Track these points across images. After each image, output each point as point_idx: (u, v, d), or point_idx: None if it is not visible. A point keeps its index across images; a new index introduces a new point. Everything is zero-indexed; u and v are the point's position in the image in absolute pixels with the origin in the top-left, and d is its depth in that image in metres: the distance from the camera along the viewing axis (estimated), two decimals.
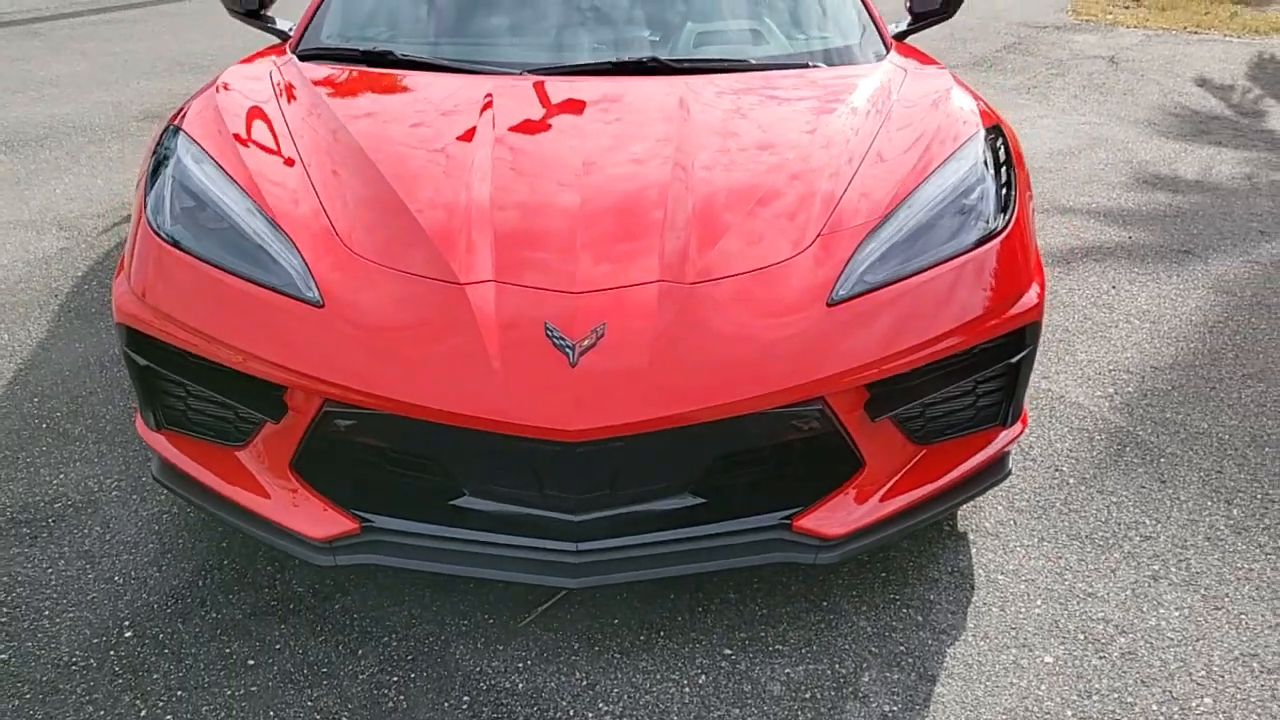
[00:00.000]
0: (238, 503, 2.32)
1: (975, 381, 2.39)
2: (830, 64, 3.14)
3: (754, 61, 3.10)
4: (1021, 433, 2.51)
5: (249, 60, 3.24)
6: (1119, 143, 5.94)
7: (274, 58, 3.21)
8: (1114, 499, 2.79)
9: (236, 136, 2.65)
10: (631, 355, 2.09)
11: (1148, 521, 2.70)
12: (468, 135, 2.67)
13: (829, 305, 2.21)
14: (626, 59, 3.04)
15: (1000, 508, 2.75)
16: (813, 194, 2.47)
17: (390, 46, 3.15)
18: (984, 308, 2.32)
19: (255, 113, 2.80)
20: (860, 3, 3.42)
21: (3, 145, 5.56)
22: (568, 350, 2.07)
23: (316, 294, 2.21)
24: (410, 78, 3.01)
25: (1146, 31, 9.09)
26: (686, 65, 3.04)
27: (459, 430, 2.08)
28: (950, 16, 3.65)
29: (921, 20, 3.62)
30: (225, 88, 2.94)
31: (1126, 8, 10.24)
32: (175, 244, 2.37)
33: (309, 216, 2.40)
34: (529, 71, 3.00)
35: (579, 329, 2.11)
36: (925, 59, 3.33)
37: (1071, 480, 2.87)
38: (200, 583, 2.46)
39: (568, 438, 2.03)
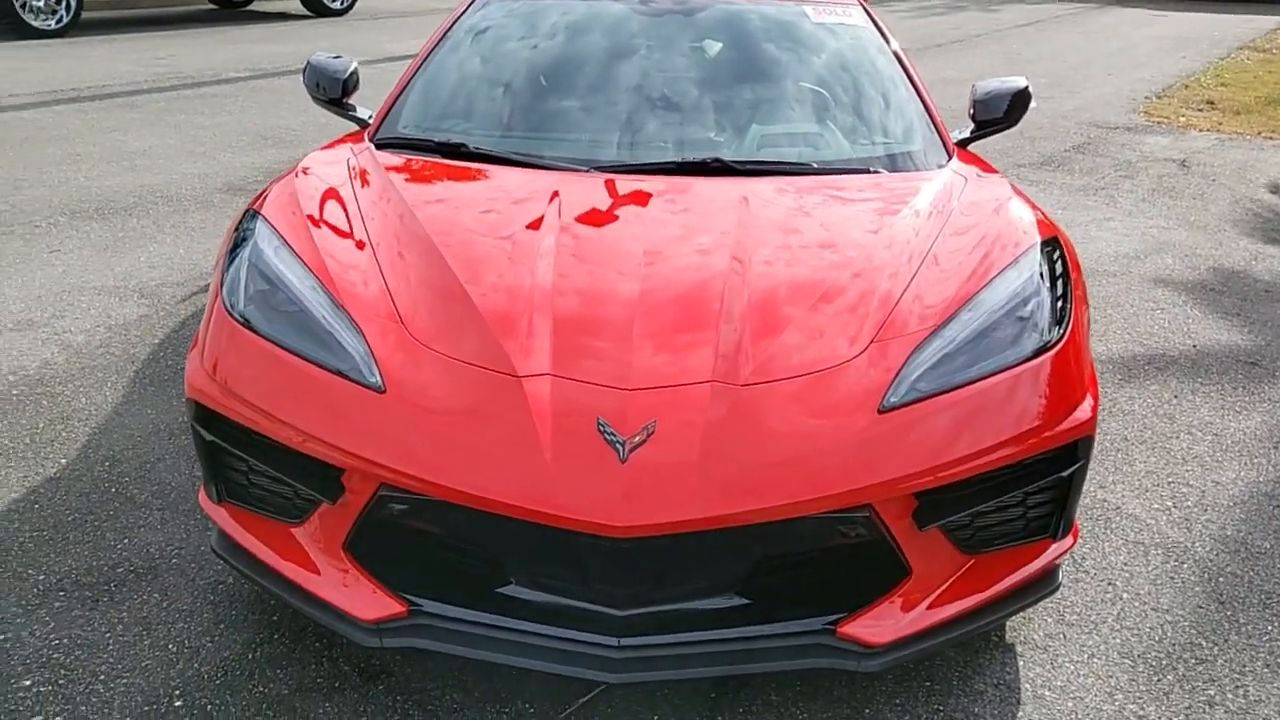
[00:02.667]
0: (291, 579, 2.37)
1: (1026, 493, 2.38)
2: (893, 169, 3.20)
3: (816, 165, 3.16)
4: (1072, 545, 2.49)
5: (329, 146, 3.38)
6: (1187, 248, 5.90)
7: (352, 145, 3.35)
8: (1169, 617, 2.74)
9: (311, 221, 2.76)
10: (681, 453, 2.12)
11: (1204, 643, 2.65)
12: (533, 225, 2.76)
13: (880, 412, 2.23)
14: (691, 159, 3.12)
15: (1050, 620, 2.71)
16: (870, 294, 2.51)
17: (463, 139, 3.27)
18: (1036, 420, 2.33)
19: (330, 199, 2.91)
20: (924, 110, 3.48)
21: (95, 213, 5.80)
22: (618, 446, 2.11)
23: (379, 379, 2.28)
24: (480, 169, 3.12)
25: (1220, 135, 9.05)
26: (750, 167, 3.11)
27: (509, 520, 2.12)
28: (1013, 125, 3.69)
29: (985, 128, 3.67)
30: (304, 173, 3.07)
31: (1200, 110, 10.21)
32: (247, 325, 2.47)
33: (375, 302, 2.48)
34: (596, 169, 3.09)
35: (630, 425, 2.15)
36: (986, 167, 3.37)
37: (1125, 595, 2.83)
38: (250, 655, 2.51)
39: (615, 533, 2.06)
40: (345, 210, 2.85)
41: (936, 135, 3.40)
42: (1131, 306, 4.99)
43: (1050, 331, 2.48)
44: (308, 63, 3.81)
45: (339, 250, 2.66)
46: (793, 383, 2.28)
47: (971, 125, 3.71)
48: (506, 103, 3.49)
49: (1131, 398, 4.01)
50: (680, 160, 3.13)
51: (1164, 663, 2.57)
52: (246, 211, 2.90)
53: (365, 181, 3.01)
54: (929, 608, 2.30)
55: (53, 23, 12.07)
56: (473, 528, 2.21)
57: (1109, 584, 2.87)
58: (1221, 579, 2.91)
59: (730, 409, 2.19)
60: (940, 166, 3.24)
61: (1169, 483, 3.40)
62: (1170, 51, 14.41)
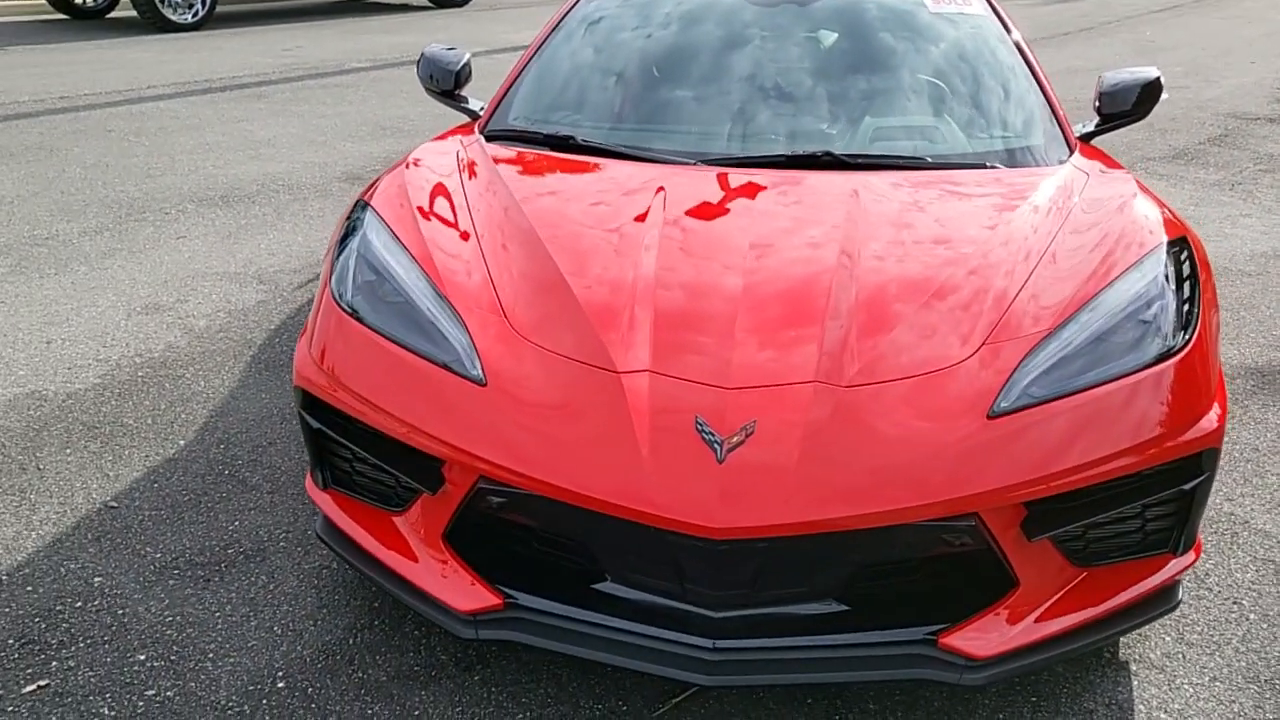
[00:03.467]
0: (391, 567, 2.40)
1: (1144, 506, 2.27)
2: (1011, 165, 3.08)
3: (931, 160, 3.07)
4: (1194, 562, 2.37)
5: (440, 138, 3.42)
6: None
7: (462, 137, 3.38)
8: None
9: (420, 212, 2.79)
10: (780, 455, 2.08)
11: None
12: (639, 218, 2.74)
13: (990, 417, 2.15)
14: (802, 153, 3.06)
15: (1169, 639, 2.59)
16: (983, 293, 2.43)
17: (571, 131, 3.27)
18: (1157, 429, 2.21)
19: (439, 190, 2.94)
20: (1046, 103, 3.35)
21: (220, 200, 6.00)
22: (716, 446, 2.08)
23: (480, 372, 2.29)
24: (587, 162, 3.11)
25: None
26: (861, 161, 3.04)
27: (605, 516, 2.11)
28: (1143, 118, 3.52)
29: (1110, 121, 3.50)
30: (414, 165, 3.10)
31: None
32: (354, 314, 2.51)
33: (479, 295, 2.49)
34: (704, 162, 3.05)
35: (729, 425, 2.11)
36: (1111, 162, 3.22)
37: (1252, 616, 2.68)
38: (351, 640, 2.56)
39: (710, 534, 2.02)
40: (452, 202, 2.87)
41: (1058, 129, 3.27)
42: (1268, 309, 4.74)
43: (1175, 337, 2.35)
44: (422, 54, 3.85)
45: (445, 242, 2.68)
46: (899, 385, 2.21)
47: (1096, 119, 3.56)
48: (617, 95, 3.47)
49: (1265, 405, 3.80)
50: (791, 154, 3.07)
51: None
52: (357, 202, 2.94)
53: (473, 173, 3.03)
54: (1037, 621, 2.21)
55: (189, 16, 12.53)
56: (569, 523, 2.21)
57: (1234, 603, 2.73)
58: None
59: (833, 411, 2.14)
60: (1061, 162, 3.11)
61: None
62: None
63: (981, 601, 2.21)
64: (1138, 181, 2.98)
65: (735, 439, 2.09)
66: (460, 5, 15.62)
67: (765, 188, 2.89)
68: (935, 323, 2.35)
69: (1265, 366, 4.15)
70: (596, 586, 2.24)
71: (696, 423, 2.12)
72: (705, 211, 2.79)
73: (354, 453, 2.48)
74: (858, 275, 2.47)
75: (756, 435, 2.10)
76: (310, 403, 2.52)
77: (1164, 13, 16.04)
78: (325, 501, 2.58)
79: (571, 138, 3.22)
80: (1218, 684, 2.45)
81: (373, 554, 2.45)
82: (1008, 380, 2.22)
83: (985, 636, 2.17)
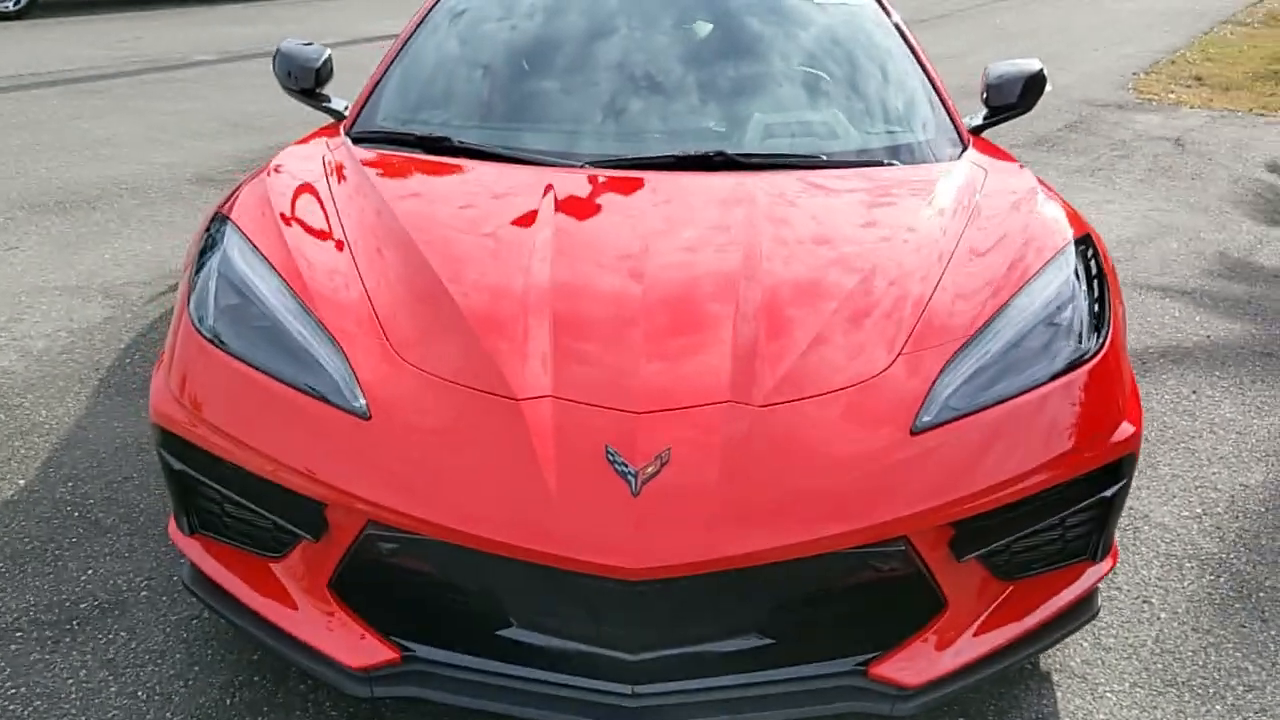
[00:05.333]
0: (271, 621, 2.17)
1: (1067, 515, 2.20)
2: (908, 161, 2.99)
3: (826, 158, 2.95)
4: (1112, 568, 2.32)
5: (304, 142, 3.15)
6: (1190, 231, 5.75)
7: (327, 139, 3.12)
8: (1211, 639, 2.57)
9: (284, 225, 2.54)
10: (698, 485, 1.93)
11: (1250, 668, 2.48)
12: (525, 227, 2.54)
13: (913, 433, 2.04)
14: (693, 153, 2.91)
15: (1086, 645, 2.54)
16: (896, 300, 2.32)
17: (446, 132, 3.04)
18: (1082, 436, 2.15)
19: (305, 200, 2.69)
20: (937, 95, 3.28)
21: (56, 206, 5.54)
22: (629, 478, 1.92)
23: (363, 404, 2.07)
24: (466, 166, 2.89)
25: (1211, 112, 8.91)
26: (756, 161, 2.90)
27: (509, 559, 1.93)
28: (1028, 110, 3.50)
29: (998, 114, 3.46)
30: (276, 172, 2.84)
31: (1189, 87, 10.06)
32: (217, 342, 2.26)
33: (358, 318, 2.27)
34: (590, 164, 2.87)
35: (642, 454, 1.95)
36: (1004, 155, 3.18)
37: (1163, 615, 2.66)
38: (229, 701, 2.31)
39: (628, 575, 1.86)
40: (323, 213, 2.62)
41: (950, 122, 3.20)
42: (1140, 295, 4.83)
43: (1089, 340, 2.30)
44: (277, 50, 3.57)
45: (314, 257, 2.44)
46: (816, 401, 2.08)
47: (984, 110, 3.52)
48: (491, 92, 3.26)
49: (1149, 394, 3.84)
50: (682, 154, 2.90)
51: (1211, 691, 2.41)
52: (215, 215, 2.67)
53: (342, 179, 2.78)
54: (967, 642, 2.12)
55: (10, 4, 11.68)
56: (469, 567, 2.02)
57: (1145, 602, 2.71)
58: (1262, 594, 2.75)
59: (751, 434, 2.00)
60: (956, 156, 3.04)
61: (1196, 487, 3.24)
62: (1154, 26, 14.27)
63: (910, 625, 2.10)
64: (1037, 177, 2.93)
65: (649, 469, 1.93)
66: None
67: (658, 191, 2.73)
68: (848, 332, 2.24)
69: (1143, 353, 4.20)
70: (502, 633, 2.05)
71: (607, 452, 1.96)
72: (597, 220, 2.62)
73: (223, 495, 2.23)
74: (763, 283, 2.33)
75: (672, 464, 1.95)
76: (170, 441, 2.26)
77: (1013, 0, 16.51)
78: (192, 548, 2.33)
79: (446, 140, 2.99)
80: (1139, 690, 2.41)
81: (249, 606, 2.21)
82: (928, 393, 2.11)
83: (916, 663, 2.07)
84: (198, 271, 2.48)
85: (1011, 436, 2.10)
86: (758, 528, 1.91)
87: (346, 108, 3.45)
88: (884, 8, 3.58)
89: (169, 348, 2.38)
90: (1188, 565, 2.86)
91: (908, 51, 3.39)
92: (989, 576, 2.16)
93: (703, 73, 3.22)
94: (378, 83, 3.31)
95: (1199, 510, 3.12)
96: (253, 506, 2.17)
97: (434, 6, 3.56)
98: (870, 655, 2.06)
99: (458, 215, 2.64)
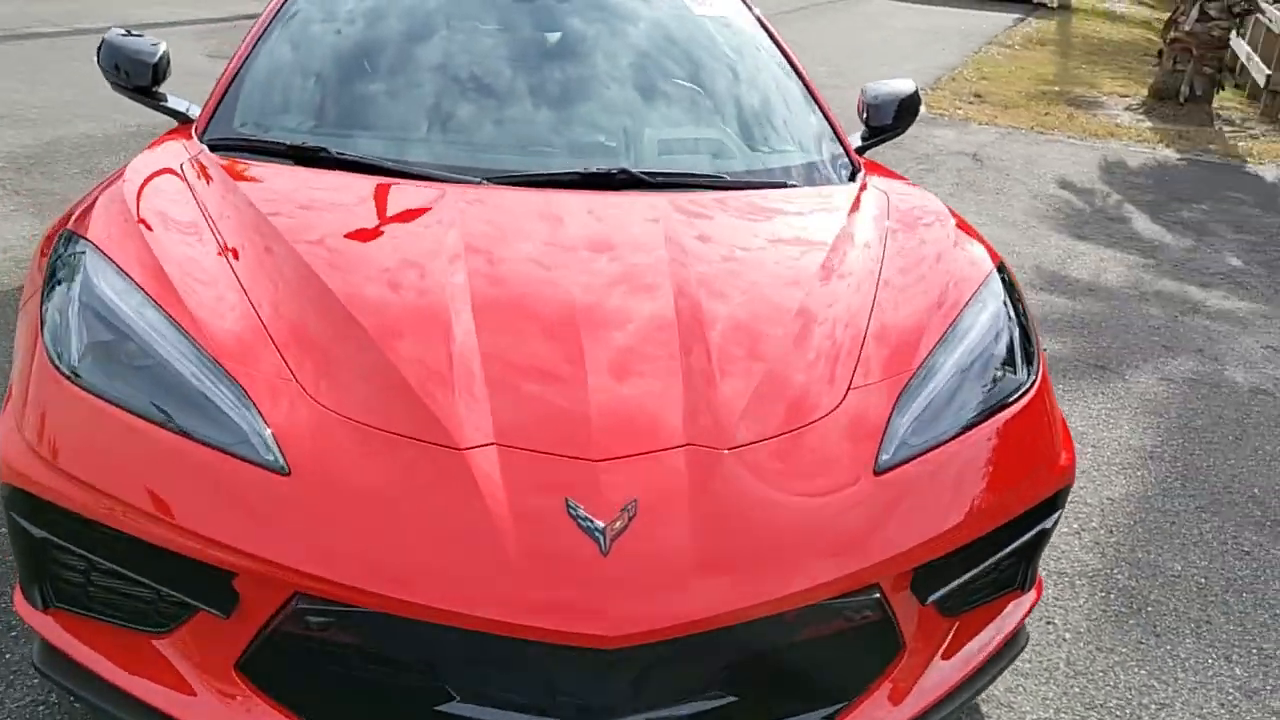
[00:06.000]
0: (158, 708, 1.87)
1: (1015, 547, 2.18)
2: (807, 181, 2.92)
3: (729, 178, 2.84)
4: (1039, 597, 2.32)
5: (153, 148, 2.77)
6: (1005, 244, 6.01)
7: (183, 145, 2.76)
8: (1116, 657, 2.63)
9: (153, 247, 2.22)
10: (672, 539, 1.78)
11: (1157, 685, 2.55)
12: (434, 254, 2.31)
13: (877, 473, 1.96)
14: (595, 170, 2.73)
15: (1006, 672, 2.54)
16: (833, 334, 2.24)
17: (321, 141, 2.74)
18: (1032, 465, 2.14)
19: (172, 217, 2.36)
20: (823, 114, 3.23)
21: None
22: (597, 535, 1.74)
23: (279, 458, 1.81)
24: (351, 181, 2.61)
25: (998, 129, 9.42)
26: (661, 180, 2.75)
27: (453, 628, 1.72)
28: (902, 132, 3.52)
29: (877, 135, 3.46)
30: (131, 184, 2.48)
31: (972, 103, 10.63)
32: (83, 384, 1.93)
33: (257, 355, 1.99)
34: (487, 179, 2.64)
35: (607, 506, 1.78)
36: (897, 176, 3.17)
37: (1068, 635, 2.70)
38: None
39: (604, 644, 1.69)
40: (197, 232, 2.30)
41: (839, 143, 3.16)
42: None
43: (1023, 368, 2.29)
44: (103, 41, 3.14)
45: (195, 284, 2.13)
46: (777, 443, 1.97)
47: (864, 130, 3.51)
48: (368, 96, 2.97)
49: None
50: (583, 171, 2.72)
51: (1128, 711, 2.45)
52: (61, 235, 2.30)
53: (213, 194, 2.46)
54: (927, 683, 2.05)
55: None
56: (409, 639, 1.79)
57: (1049, 623, 2.74)
58: (1149, 608, 2.83)
59: (717, 478, 1.87)
60: (852, 178, 3.00)
61: (1069, 503, 3.32)
62: (928, 44, 15.03)
63: (870, 671, 2.02)
64: (939, 200, 2.93)
65: (618, 524, 1.76)
66: None
67: (568, 214, 2.54)
68: (794, 368, 2.13)
69: None
70: (442, 708, 1.84)
71: (568, 506, 1.78)
72: (512, 244, 2.40)
73: (92, 563, 1.91)
74: (700, 317, 2.20)
75: (640, 516, 1.79)
76: (22, 500, 1.92)
77: (793, 14, 17.03)
78: (46, 625, 1.98)
79: (323, 150, 2.69)
80: (1064, 714, 2.43)
81: (126, 690, 1.90)
82: (885, 430, 2.04)
83: (881, 712, 1.99)
84: (47, 302, 2.12)
85: (969, 471, 2.06)
86: (739, 583, 1.77)
87: (190, 108, 3.09)
88: (763, 24, 3.51)
89: (18, 393, 2.02)
90: (1079, 583, 2.92)
91: (791, 70, 3.33)
92: (937, 614, 2.11)
93: (594, 87, 3.05)
94: (232, 80, 2.96)
95: (1076, 526, 3.20)
96: (135, 576, 1.87)
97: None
98: (836, 707, 1.97)
99: (354, 237, 2.38)
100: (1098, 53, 15.62)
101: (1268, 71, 10.83)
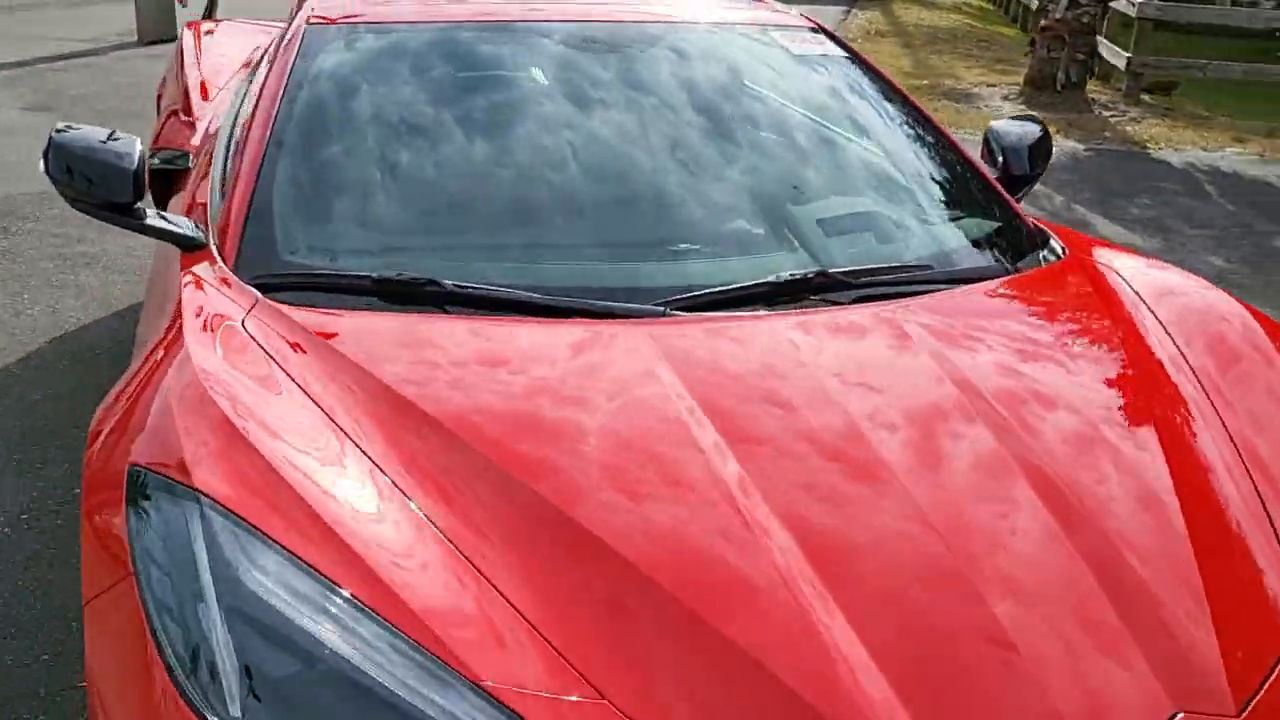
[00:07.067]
0: None
1: None
2: (1015, 266, 2.29)
3: (941, 272, 2.21)
4: None
5: (185, 304, 1.92)
6: None
7: (219, 291, 1.93)
8: None
9: (305, 496, 1.44)
10: None
11: None
12: (674, 435, 1.63)
13: None
14: (785, 278, 2.05)
15: None
16: (1218, 495, 1.68)
17: (422, 267, 1.96)
18: None
19: (291, 430, 1.58)
20: (975, 169, 2.64)
21: None
22: None
23: None
24: (488, 329, 1.87)
25: None
26: (864, 280, 2.10)
27: None
28: (1038, 181, 2.94)
29: (1017, 186, 2.81)
30: (216, 380, 1.64)
31: None
32: None
33: (535, 665, 1.28)
34: (674, 309, 1.93)
35: None
36: (1085, 238, 2.63)
37: None
38: None
39: None
40: (340, 454, 1.54)
41: (1010, 207, 2.55)
42: None
43: None
44: (51, 141, 2.24)
45: (380, 549, 1.39)
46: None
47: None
48: (457, 193, 2.20)
49: None
50: (775, 281, 2.04)
51: None
52: (137, 480, 1.47)
53: (331, 383, 1.67)
54: None
55: None
56: None
57: None
58: None
59: None
60: (1057, 255, 2.38)
61: None
62: None
63: None
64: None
65: None
66: None
67: (812, 353, 1.84)
68: (1227, 569, 1.56)
69: None
70: None
71: None
72: (778, 410, 1.70)
73: None
74: (1076, 510, 1.58)
75: None
76: None
77: None
78: None
79: (432, 282, 1.91)
80: None
81: None
82: None
83: None
84: (148, 593, 1.33)
85: None
86: None
87: (199, 229, 2.23)
88: (866, 63, 2.90)
89: None
90: None
91: (924, 118, 2.74)
92: None
93: (720, 159, 2.38)
94: (252, 192, 2.15)
95: None
96: None
97: (293, 66, 2.42)
98: None
99: (573, 434, 1.63)
100: (938, 42, 15.71)
101: (1127, 55, 10.98)
